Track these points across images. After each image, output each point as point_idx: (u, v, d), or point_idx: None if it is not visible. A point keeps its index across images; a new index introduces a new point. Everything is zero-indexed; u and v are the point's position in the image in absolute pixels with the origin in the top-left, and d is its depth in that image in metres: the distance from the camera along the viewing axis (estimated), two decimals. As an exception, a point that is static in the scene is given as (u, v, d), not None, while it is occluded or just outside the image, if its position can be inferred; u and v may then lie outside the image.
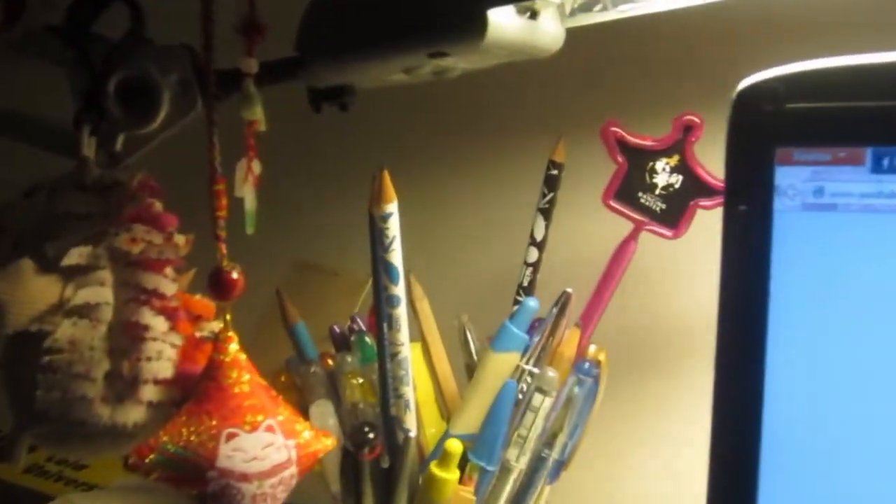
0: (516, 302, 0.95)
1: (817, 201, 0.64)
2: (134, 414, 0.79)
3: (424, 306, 0.96)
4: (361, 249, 0.89)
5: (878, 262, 0.63)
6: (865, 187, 0.63)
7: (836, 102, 0.63)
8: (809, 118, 0.64)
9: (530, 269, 0.96)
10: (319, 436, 0.82)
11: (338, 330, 0.97)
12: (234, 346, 0.79)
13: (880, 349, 0.63)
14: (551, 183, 0.94)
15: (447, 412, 0.96)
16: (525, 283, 0.96)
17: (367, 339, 0.94)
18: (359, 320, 0.97)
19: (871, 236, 0.64)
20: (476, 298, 1.12)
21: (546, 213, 0.95)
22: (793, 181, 0.65)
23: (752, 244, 0.65)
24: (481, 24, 0.74)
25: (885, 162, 0.63)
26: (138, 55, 0.81)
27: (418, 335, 0.96)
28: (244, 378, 0.79)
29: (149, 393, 0.79)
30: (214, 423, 0.77)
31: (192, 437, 0.77)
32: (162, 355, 0.80)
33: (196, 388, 0.79)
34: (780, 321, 0.65)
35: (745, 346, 0.66)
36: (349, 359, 0.93)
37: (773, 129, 0.65)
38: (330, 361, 0.95)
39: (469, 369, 0.96)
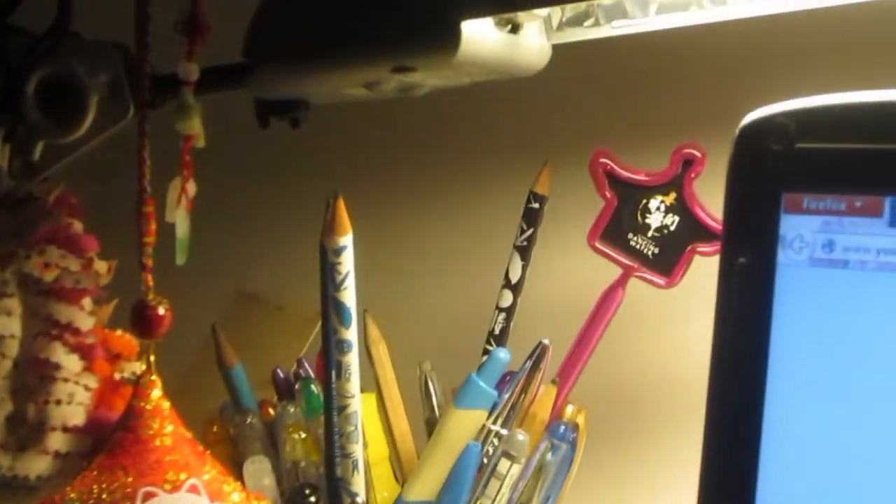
0: (486, 352, 0.94)
1: (827, 256, 0.64)
2: (38, 465, 0.78)
3: (381, 351, 0.95)
4: (313, 282, 0.88)
5: (891, 327, 0.63)
6: (882, 242, 0.63)
7: (854, 144, 0.62)
8: (822, 161, 0.63)
9: (503, 314, 0.95)
10: (251, 499, 0.81)
11: (281, 374, 0.96)
12: (156, 392, 0.78)
13: (889, 423, 0.63)
14: (531, 217, 0.94)
15: (402, 475, 0.95)
16: (496, 331, 0.95)
17: (314, 388, 0.93)
18: (306, 364, 0.96)
19: (886, 298, 0.63)
20: (441, 345, 1.10)
21: (524, 251, 0.94)
22: (800, 232, 0.64)
23: (751, 302, 0.65)
24: (454, 38, 0.73)
25: (906, 214, 0.62)
26: (63, 51, 0.80)
27: (373, 384, 0.95)
28: (167, 429, 0.78)
29: (56, 441, 0.78)
30: (130, 479, 0.76)
31: (104, 496, 0.76)
32: (73, 399, 0.79)
33: (111, 439, 0.78)
34: (779, 388, 0.64)
35: (738, 414, 0.65)
36: (292, 409, 0.93)
37: (780, 172, 0.64)
38: (271, 411, 0.94)
39: (430, 426, 0.95)
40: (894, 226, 0.62)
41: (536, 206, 0.93)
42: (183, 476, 0.77)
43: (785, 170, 0.64)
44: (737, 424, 0.66)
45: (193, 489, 0.77)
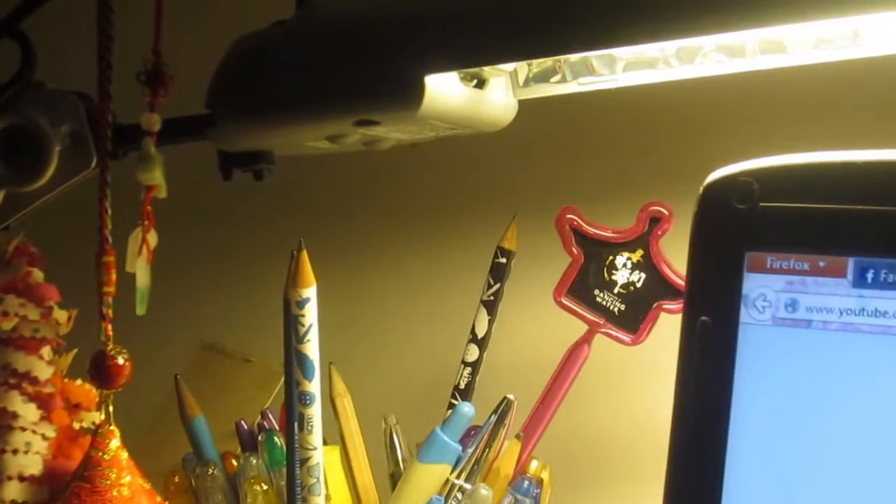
0: (451, 406, 0.93)
1: (790, 316, 0.63)
2: (-8, 515, 0.77)
3: (346, 404, 0.94)
4: (279, 335, 0.87)
5: (855, 390, 0.62)
6: (846, 303, 0.62)
7: (818, 204, 0.62)
8: (786, 220, 0.63)
9: (469, 369, 0.94)
10: (209, 551, 0.79)
11: (245, 426, 0.95)
12: (114, 443, 0.77)
13: (849, 483, 0.62)
14: (498, 273, 0.93)
15: (366, 528, 0.94)
16: (462, 386, 0.94)
17: (277, 440, 0.92)
18: (270, 416, 0.94)
19: (849, 359, 0.62)
20: (406, 399, 1.10)
21: (490, 306, 0.93)
22: (764, 291, 0.63)
23: (713, 360, 0.64)
24: (417, 92, 0.72)
25: (870, 275, 0.61)
26: (26, 101, 0.79)
27: (338, 437, 0.94)
28: (124, 479, 0.77)
29: (12, 491, 0.78)
30: (87, 530, 0.75)
31: (60, 546, 0.75)
32: (31, 448, 0.78)
33: (67, 489, 0.77)
34: (740, 447, 0.63)
35: (699, 472, 0.65)
36: (254, 461, 0.91)
37: (743, 231, 0.63)
38: (234, 462, 0.93)
39: (394, 479, 0.94)
40: (858, 286, 0.62)
41: (503, 261, 0.93)
42: (139, 528, 0.76)
43: (748, 229, 0.63)
44: (697, 483, 0.65)
45: (150, 541, 0.76)
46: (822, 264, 0.62)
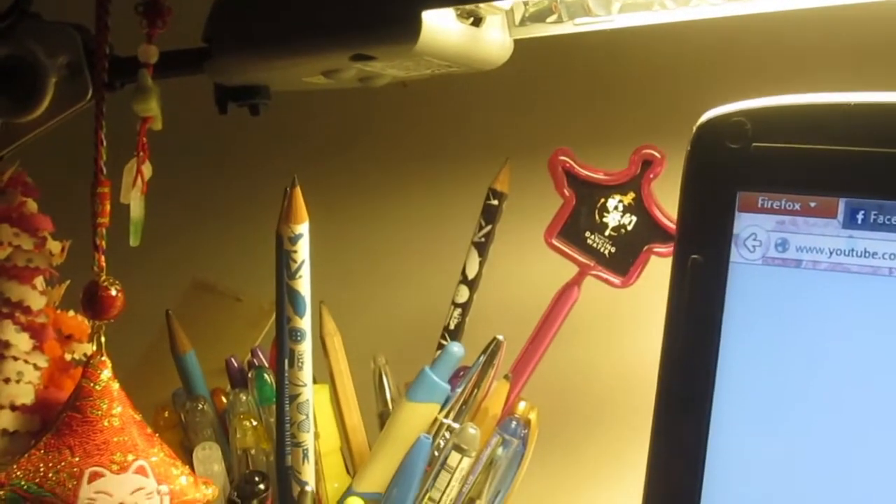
0: (441, 347, 0.93)
1: (780, 255, 0.63)
2: (-16, 443, 0.77)
3: (336, 343, 0.94)
4: (271, 274, 0.87)
5: (843, 329, 0.62)
6: (835, 243, 0.62)
7: (810, 145, 0.62)
8: (778, 161, 0.63)
9: (459, 310, 0.94)
10: (199, 483, 0.80)
11: (235, 364, 0.95)
12: (106, 374, 0.77)
13: (837, 421, 0.62)
14: (490, 214, 0.93)
15: (353, 466, 0.94)
16: (451, 326, 0.94)
17: (266, 377, 0.92)
18: (260, 354, 0.95)
19: (838, 300, 0.62)
20: (396, 338, 1.10)
21: (481, 247, 0.93)
22: (754, 231, 0.64)
23: (703, 299, 0.64)
24: (413, 27, 0.72)
25: (860, 216, 0.62)
26: (22, 32, 0.80)
27: (327, 376, 0.94)
28: (115, 410, 0.77)
29: (4, 419, 0.78)
30: (77, 459, 0.76)
31: (51, 475, 0.75)
32: (23, 377, 0.78)
33: (59, 418, 0.77)
34: (729, 385, 0.64)
35: (687, 411, 0.65)
36: (244, 397, 0.91)
37: (735, 171, 0.64)
38: (224, 399, 0.93)
39: (382, 419, 0.94)
40: (848, 227, 0.62)
41: (495, 202, 0.92)
42: (130, 457, 0.76)
43: (740, 169, 0.63)
44: (685, 421, 0.65)
45: (140, 471, 0.76)
46: (812, 205, 0.62)
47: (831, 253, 0.62)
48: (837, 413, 0.62)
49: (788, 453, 0.63)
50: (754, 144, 0.63)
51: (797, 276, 0.63)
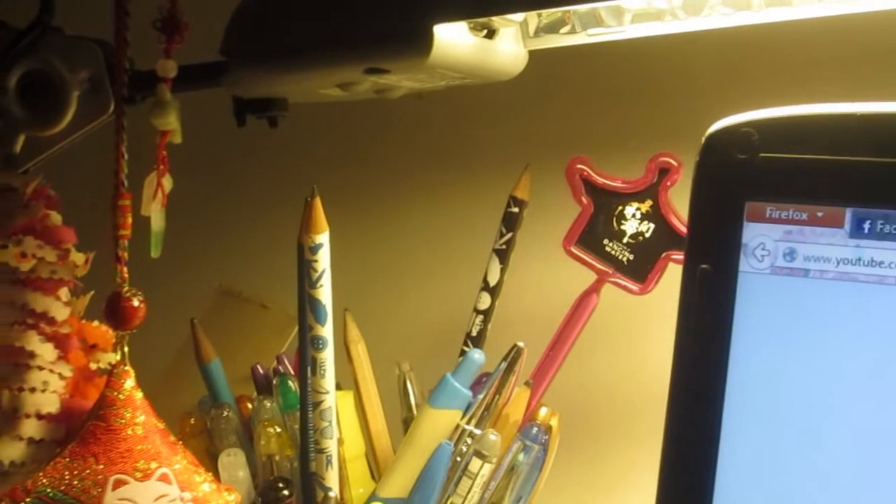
0: (463, 353, 0.93)
1: (788, 265, 0.63)
2: (11, 451, 0.78)
3: (360, 350, 0.95)
4: (295, 280, 0.87)
5: (851, 338, 0.62)
6: (843, 252, 0.63)
7: (817, 155, 0.62)
8: (785, 171, 0.63)
9: (480, 317, 0.94)
10: (221, 490, 0.81)
11: (261, 371, 0.96)
12: (129, 383, 0.78)
13: (845, 430, 0.62)
14: (511, 222, 0.93)
15: (378, 472, 0.95)
16: (473, 333, 0.94)
17: (291, 384, 0.93)
18: (285, 361, 0.95)
19: (845, 309, 0.63)
20: (419, 346, 1.11)
21: (502, 255, 0.94)
22: (763, 240, 0.64)
23: (713, 308, 0.65)
24: (425, 41, 0.73)
25: (867, 226, 0.62)
26: (45, 47, 0.81)
27: (352, 382, 0.94)
28: (138, 419, 0.78)
29: (30, 428, 0.78)
30: (101, 467, 0.76)
31: (75, 482, 0.76)
32: (48, 387, 0.79)
33: (83, 427, 0.78)
34: (738, 394, 0.64)
35: (698, 419, 0.65)
36: (268, 404, 0.92)
37: (743, 181, 0.64)
38: (249, 405, 0.94)
39: (406, 424, 0.95)
40: (855, 236, 0.62)
41: (516, 210, 0.93)
42: (153, 465, 0.77)
43: (749, 179, 0.64)
44: (696, 429, 0.66)
45: (164, 478, 0.77)
46: (819, 214, 0.63)
47: (838, 262, 0.62)
48: (846, 420, 0.62)
49: (798, 460, 0.63)
50: (762, 155, 0.63)
51: (805, 285, 0.63)
